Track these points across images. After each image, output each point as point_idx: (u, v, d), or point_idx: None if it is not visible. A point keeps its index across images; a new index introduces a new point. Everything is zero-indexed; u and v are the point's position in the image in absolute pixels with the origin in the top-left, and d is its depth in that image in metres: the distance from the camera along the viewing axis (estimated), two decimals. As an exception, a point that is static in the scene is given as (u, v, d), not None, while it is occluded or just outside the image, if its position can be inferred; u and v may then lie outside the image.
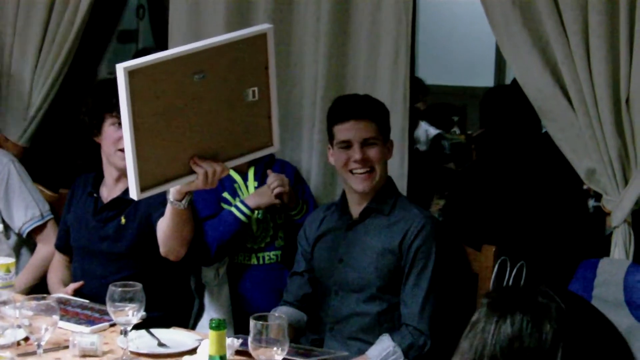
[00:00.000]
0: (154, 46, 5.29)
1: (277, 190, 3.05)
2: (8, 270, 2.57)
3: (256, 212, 3.10)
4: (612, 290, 2.76)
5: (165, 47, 3.21)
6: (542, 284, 1.34)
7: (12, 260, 2.60)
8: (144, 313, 2.36)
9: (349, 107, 2.81)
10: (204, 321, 3.13)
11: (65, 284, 3.11)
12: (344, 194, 2.89)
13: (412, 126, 3.58)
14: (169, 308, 2.99)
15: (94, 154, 3.13)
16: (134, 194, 2.36)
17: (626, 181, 2.83)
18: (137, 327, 2.41)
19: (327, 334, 2.81)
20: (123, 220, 2.99)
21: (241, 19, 3.34)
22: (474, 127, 6.13)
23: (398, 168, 3.19)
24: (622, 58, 2.76)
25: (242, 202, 3.08)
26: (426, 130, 5.88)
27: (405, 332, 2.68)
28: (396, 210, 2.79)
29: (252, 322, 2.15)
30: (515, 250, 2.94)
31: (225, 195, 3.15)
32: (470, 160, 5.57)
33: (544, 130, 3.36)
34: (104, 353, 2.41)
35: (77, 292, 2.99)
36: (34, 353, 2.32)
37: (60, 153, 4.12)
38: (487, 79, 7.34)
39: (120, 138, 2.81)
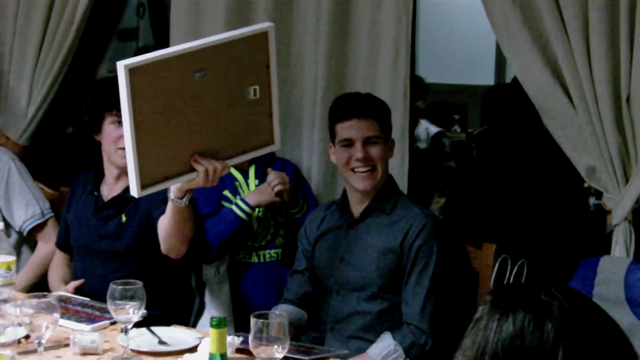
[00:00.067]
0: (154, 44, 5.28)
1: (277, 188, 3.05)
2: (9, 268, 2.57)
3: (257, 210, 3.10)
4: (612, 289, 2.76)
5: (165, 46, 3.20)
6: (545, 282, 1.34)
7: (12, 258, 2.60)
8: (144, 311, 2.36)
9: (351, 105, 2.81)
10: (205, 319, 3.13)
11: (66, 282, 3.11)
12: (344, 193, 2.88)
13: (413, 125, 3.58)
14: (170, 306, 2.99)
15: (94, 152, 3.13)
16: (134, 192, 2.36)
17: (627, 179, 2.83)
18: (137, 325, 2.41)
19: (328, 333, 2.81)
20: (124, 219, 3.00)
21: (241, 18, 3.34)
22: (474, 126, 6.14)
23: (398, 166, 3.19)
24: (622, 55, 2.76)
25: (243, 200, 3.08)
26: (427, 129, 5.88)
27: (406, 331, 2.68)
28: (397, 209, 2.79)
29: (252, 320, 2.15)
30: (515, 248, 2.94)
31: (226, 193, 3.15)
32: (471, 158, 5.58)
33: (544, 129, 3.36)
34: (105, 351, 2.41)
35: (77, 290, 2.99)
36: (34, 351, 2.32)
37: (61, 151, 4.12)
38: (487, 77, 7.34)
39: (121, 136, 2.81)
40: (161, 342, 2.48)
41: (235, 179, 3.17)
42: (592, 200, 3.82)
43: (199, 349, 2.36)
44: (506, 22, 2.89)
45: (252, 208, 3.07)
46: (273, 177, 3.06)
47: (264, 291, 3.14)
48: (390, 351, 2.62)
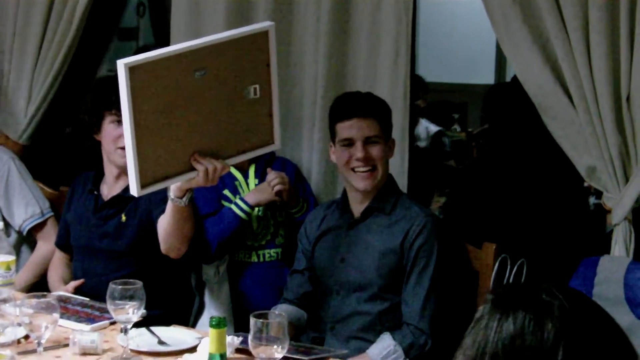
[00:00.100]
0: (154, 44, 5.28)
1: (277, 188, 3.05)
2: (8, 268, 2.56)
3: (256, 209, 3.10)
4: (612, 288, 2.76)
5: (165, 45, 3.20)
6: (546, 282, 1.33)
7: (12, 257, 2.60)
8: (144, 311, 2.36)
9: (352, 104, 2.80)
10: (204, 319, 3.13)
11: (66, 282, 3.11)
12: (344, 193, 2.88)
13: (413, 124, 3.58)
14: (170, 306, 2.99)
15: (94, 151, 3.13)
16: (134, 191, 2.36)
17: (627, 179, 2.83)
18: (137, 325, 2.41)
19: (327, 333, 2.81)
20: (123, 218, 2.99)
21: (241, 18, 3.34)
22: (474, 125, 6.14)
23: (398, 165, 3.19)
24: (622, 54, 2.76)
25: (242, 199, 3.08)
26: (426, 128, 5.88)
27: (406, 331, 2.67)
28: (397, 209, 2.79)
29: (252, 320, 2.15)
30: (515, 247, 2.94)
31: (226, 192, 3.15)
32: (471, 157, 5.58)
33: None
34: (104, 351, 2.41)
35: (77, 290, 2.99)
36: (34, 351, 2.32)
37: (61, 151, 4.12)
38: (487, 76, 7.34)
39: (120, 136, 2.81)
40: (161, 342, 2.47)
41: (235, 179, 3.17)
42: (592, 200, 3.82)
43: (198, 349, 2.35)
44: (506, 20, 2.89)
45: (252, 207, 3.07)
46: (273, 176, 3.06)
47: (263, 291, 3.14)
48: (390, 351, 2.61)
